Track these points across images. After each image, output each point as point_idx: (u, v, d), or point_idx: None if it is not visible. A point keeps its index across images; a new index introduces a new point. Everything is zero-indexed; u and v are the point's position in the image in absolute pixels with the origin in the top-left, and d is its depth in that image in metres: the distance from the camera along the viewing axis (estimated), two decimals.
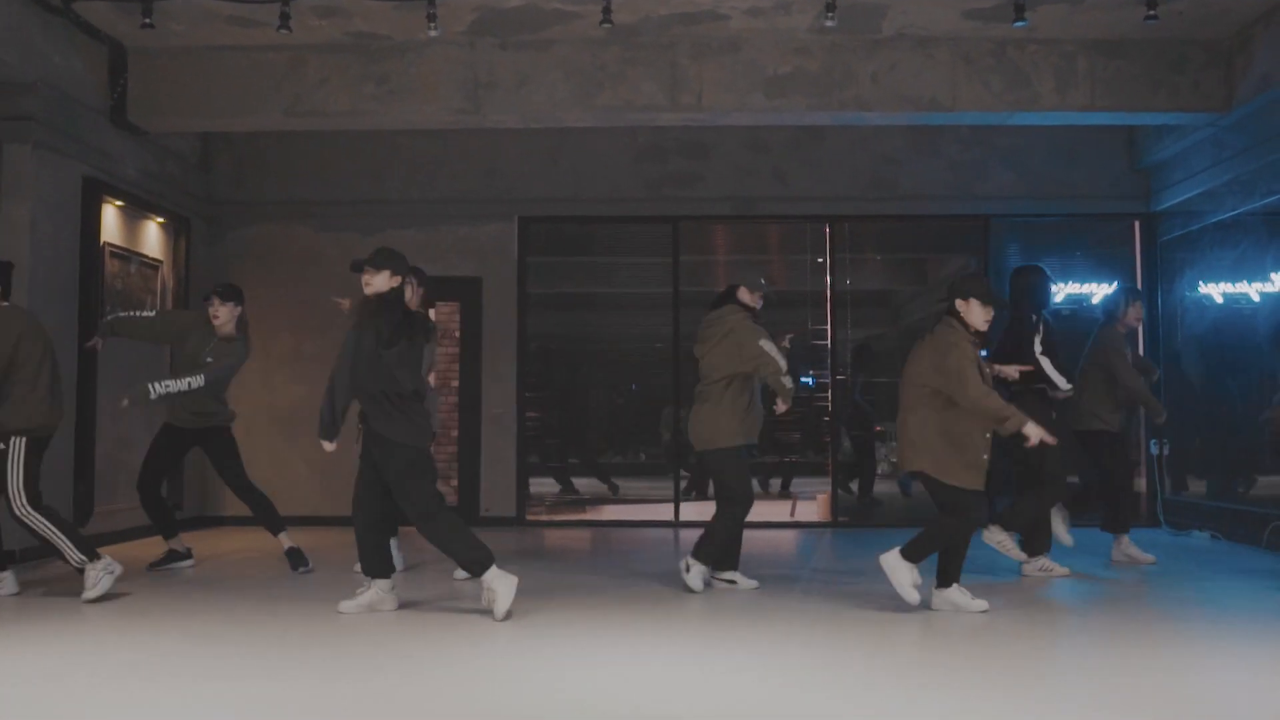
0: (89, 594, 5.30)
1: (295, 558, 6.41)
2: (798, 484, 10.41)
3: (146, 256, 8.26)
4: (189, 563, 6.62)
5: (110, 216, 7.75)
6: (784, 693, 3.70)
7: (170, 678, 3.89)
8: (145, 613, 5.11)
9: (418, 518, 4.93)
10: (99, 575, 5.32)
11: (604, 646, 4.42)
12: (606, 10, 6.67)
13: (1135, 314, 6.84)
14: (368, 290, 5.00)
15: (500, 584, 4.85)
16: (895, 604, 5.18)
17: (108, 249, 7.66)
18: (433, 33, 6.87)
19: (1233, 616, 5.04)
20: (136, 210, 8.10)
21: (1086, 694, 3.72)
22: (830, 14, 6.64)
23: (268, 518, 6.52)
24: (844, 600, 5.43)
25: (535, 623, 4.87)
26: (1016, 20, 6.74)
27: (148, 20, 6.79)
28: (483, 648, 4.41)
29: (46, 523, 5.35)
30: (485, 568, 4.87)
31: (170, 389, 6.03)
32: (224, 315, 6.31)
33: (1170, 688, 3.81)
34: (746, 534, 5.98)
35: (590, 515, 9.92)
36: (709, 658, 4.23)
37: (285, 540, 6.47)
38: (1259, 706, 3.60)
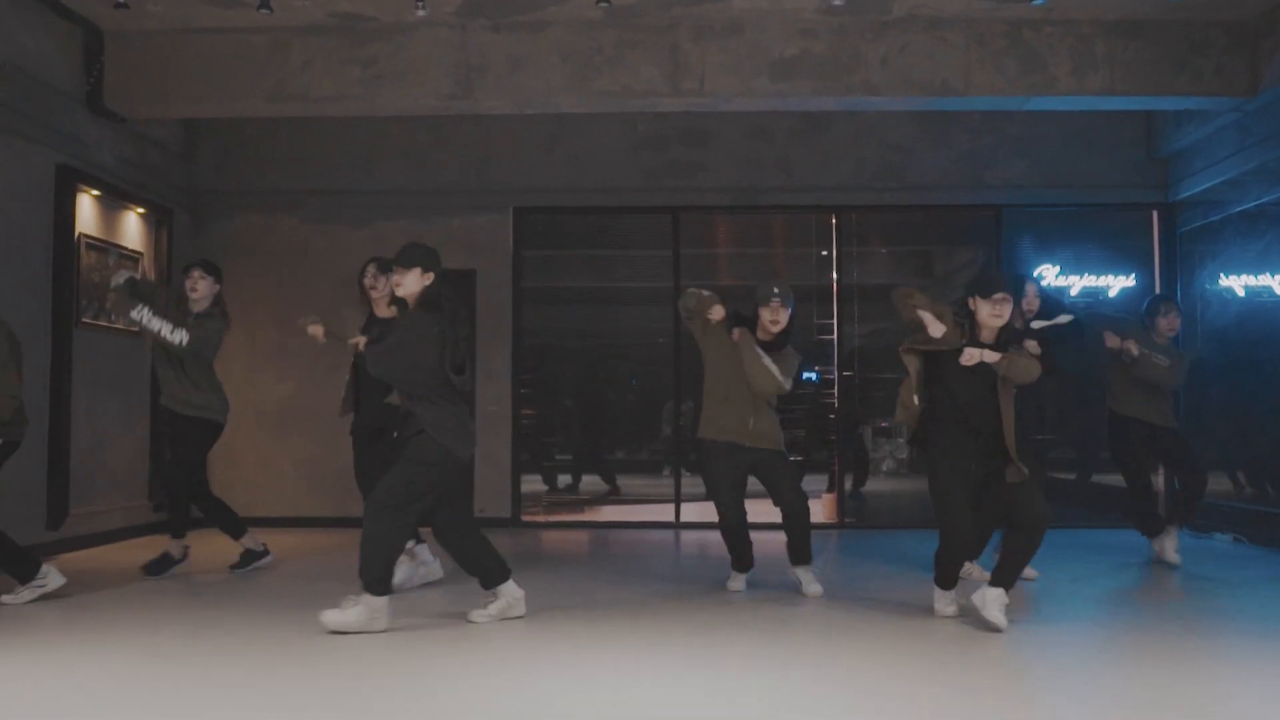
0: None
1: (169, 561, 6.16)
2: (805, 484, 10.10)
3: (125, 248, 7.93)
4: (269, 559, 6.38)
5: (86, 206, 7.43)
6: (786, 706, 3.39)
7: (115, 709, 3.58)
8: (113, 624, 4.81)
9: (379, 503, 4.55)
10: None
11: (604, 665, 4.10)
12: None
13: (1167, 325, 6.66)
14: (399, 292, 4.68)
15: (366, 616, 4.51)
16: (901, 613, 4.88)
17: (83, 240, 7.34)
18: (421, 13, 6.55)
19: (1263, 627, 4.73)
20: (115, 200, 7.78)
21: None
22: None
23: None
24: (853, 608, 5.11)
25: (534, 634, 4.56)
26: None
27: (122, 1, 6.47)
28: (484, 661, 4.10)
29: None
30: (377, 594, 4.55)
31: (153, 324, 5.82)
32: (202, 289, 6.10)
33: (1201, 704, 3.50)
34: (756, 535, 5.70)
35: (588, 516, 9.61)
36: (717, 674, 3.92)
37: (173, 547, 6.15)
38: None
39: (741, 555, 5.67)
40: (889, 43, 7.22)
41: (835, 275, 9.03)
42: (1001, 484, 4.72)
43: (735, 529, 5.59)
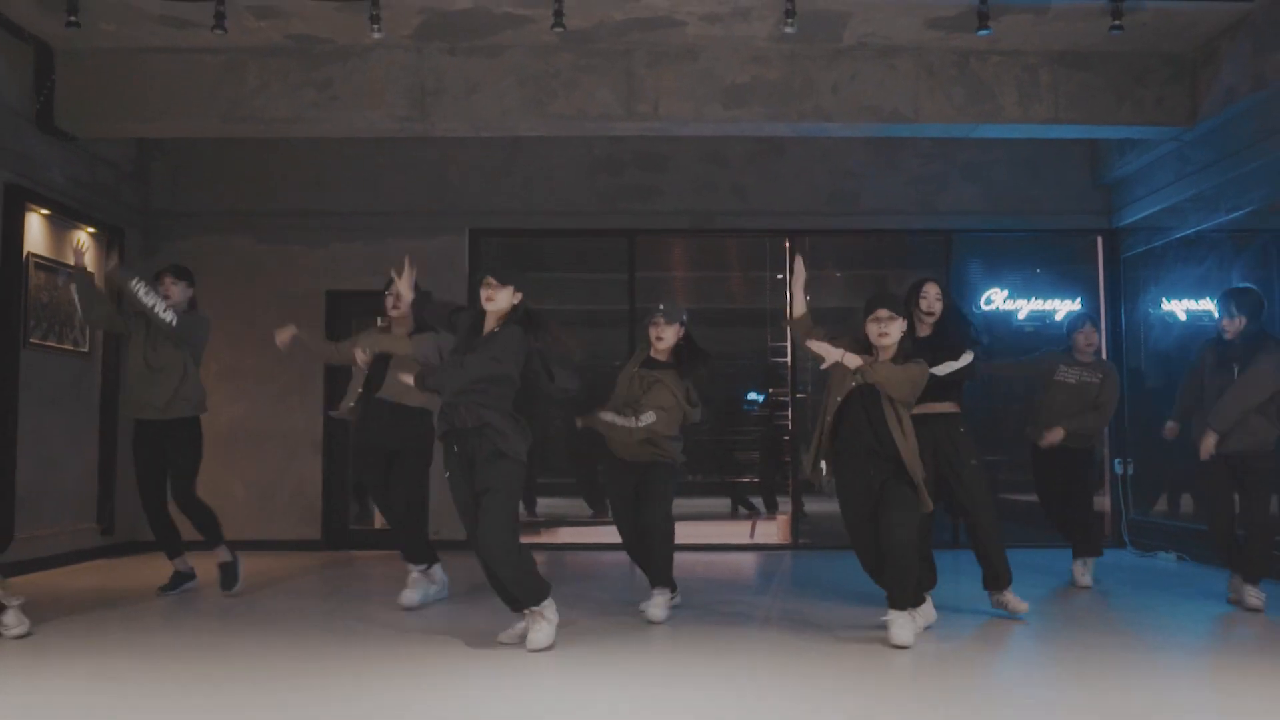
0: None
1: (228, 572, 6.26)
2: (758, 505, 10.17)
3: (76, 268, 7.83)
4: (194, 583, 6.39)
5: (35, 226, 7.35)
6: None
7: None
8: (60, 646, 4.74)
9: (503, 542, 4.58)
10: None
11: (570, 693, 4.11)
12: (558, 14, 6.41)
13: (1084, 340, 6.68)
14: (491, 306, 4.71)
15: (552, 622, 4.71)
16: (859, 636, 4.94)
17: (32, 260, 7.26)
18: (376, 35, 6.57)
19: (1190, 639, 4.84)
20: (64, 219, 7.70)
21: None
22: (790, 20, 6.41)
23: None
24: (806, 630, 5.16)
25: (509, 660, 4.56)
26: (980, 28, 6.57)
27: (73, 18, 6.43)
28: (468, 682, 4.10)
29: None
30: (545, 600, 4.72)
31: (148, 299, 5.88)
32: (175, 295, 6.14)
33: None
34: (706, 557, 5.74)
35: (545, 538, 9.60)
36: (675, 699, 3.94)
37: (223, 553, 6.25)
38: None
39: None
40: (840, 70, 7.35)
41: (789, 297, 9.11)
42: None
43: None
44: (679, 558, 5.73)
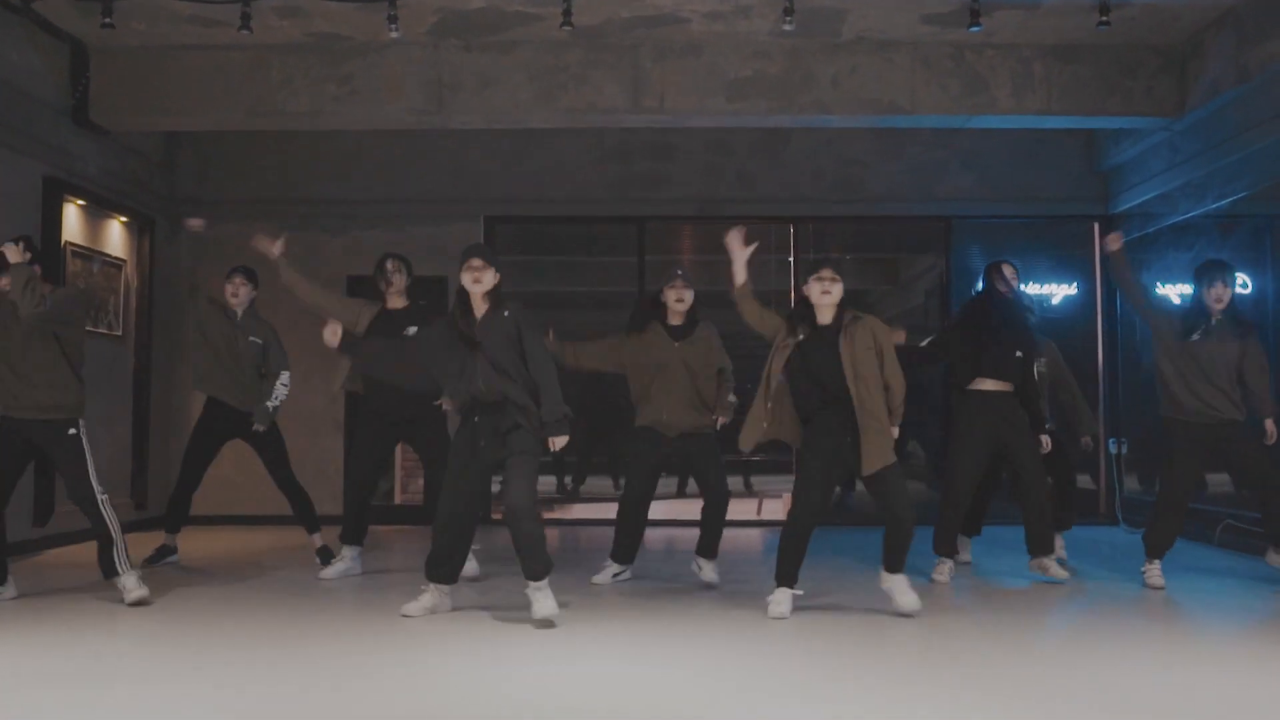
0: None
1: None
2: (767, 482, 10.51)
3: (110, 255, 8.24)
4: (175, 557, 6.72)
5: (72, 216, 7.73)
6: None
7: None
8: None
9: (525, 508, 4.80)
10: None
11: (582, 671, 4.46)
12: (567, 12, 6.71)
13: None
14: (479, 288, 4.87)
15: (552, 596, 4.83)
16: (839, 612, 5.24)
17: (69, 248, 7.64)
18: (394, 34, 6.89)
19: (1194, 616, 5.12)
20: (99, 209, 8.08)
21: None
22: (789, 18, 6.69)
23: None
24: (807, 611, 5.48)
25: (510, 639, 4.90)
26: (972, 25, 6.83)
27: (108, 20, 6.76)
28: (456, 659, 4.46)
29: None
30: (546, 576, 4.86)
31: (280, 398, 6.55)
32: (243, 294, 6.69)
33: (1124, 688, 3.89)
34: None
35: (557, 514, 9.96)
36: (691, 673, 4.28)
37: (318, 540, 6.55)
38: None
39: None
40: (839, 64, 7.62)
41: (794, 282, 9.43)
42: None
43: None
44: (686, 533, 6.04)
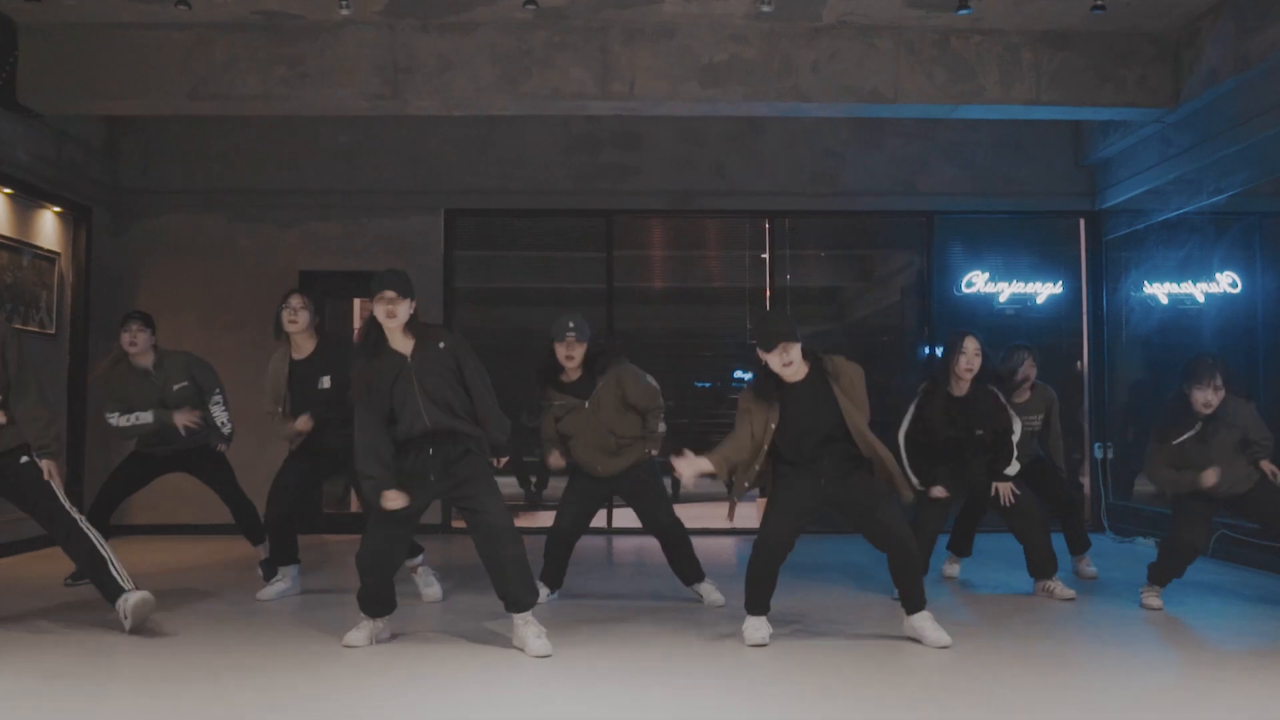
0: None
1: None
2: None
3: (41, 248, 7.72)
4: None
5: None
6: None
7: None
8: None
9: (507, 528, 4.51)
10: None
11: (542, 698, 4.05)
12: None
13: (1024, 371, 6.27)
14: (392, 323, 4.39)
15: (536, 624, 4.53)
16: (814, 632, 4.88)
17: None
18: (345, 11, 6.45)
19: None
20: (29, 199, 7.56)
21: None
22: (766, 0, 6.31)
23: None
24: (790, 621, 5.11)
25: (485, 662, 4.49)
26: (961, 8, 6.47)
27: None
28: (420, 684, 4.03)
29: None
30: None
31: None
32: (141, 342, 5.92)
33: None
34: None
35: (523, 522, 9.53)
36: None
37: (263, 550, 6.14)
38: None
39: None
40: (819, 49, 7.23)
41: (770, 278, 9.05)
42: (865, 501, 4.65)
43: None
44: (648, 542, 5.67)
